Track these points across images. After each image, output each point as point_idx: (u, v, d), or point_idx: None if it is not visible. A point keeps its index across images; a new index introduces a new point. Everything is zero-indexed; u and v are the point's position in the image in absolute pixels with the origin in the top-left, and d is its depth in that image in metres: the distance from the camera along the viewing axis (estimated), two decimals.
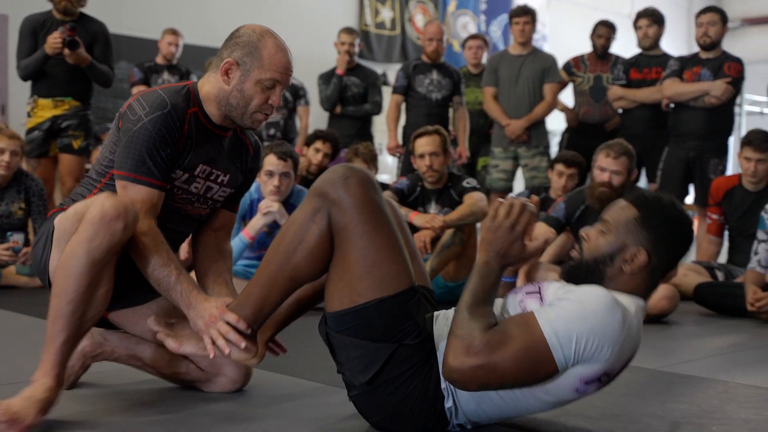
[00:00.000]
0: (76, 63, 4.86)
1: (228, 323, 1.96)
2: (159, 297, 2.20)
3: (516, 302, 1.92)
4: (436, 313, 2.04)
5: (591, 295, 1.77)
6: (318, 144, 5.30)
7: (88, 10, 5.11)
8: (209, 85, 2.22)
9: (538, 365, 1.76)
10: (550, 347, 1.73)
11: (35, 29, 4.90)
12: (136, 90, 6.36)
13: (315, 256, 1.89)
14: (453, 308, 1.97)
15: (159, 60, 6.45)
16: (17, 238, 4.57)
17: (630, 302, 1.84)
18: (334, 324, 1.92)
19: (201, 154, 2.22)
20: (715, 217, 4.83)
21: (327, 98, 6.23)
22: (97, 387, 2.38)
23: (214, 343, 1.98)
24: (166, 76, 6.38)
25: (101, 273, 1.95)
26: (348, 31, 6.40)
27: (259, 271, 1.97)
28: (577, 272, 1.93)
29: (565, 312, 1.74)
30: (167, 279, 2.05)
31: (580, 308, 1.74)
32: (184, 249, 4.47)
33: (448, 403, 1.91)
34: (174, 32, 6.43)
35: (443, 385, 1.89)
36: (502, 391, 1.85)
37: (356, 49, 6.32)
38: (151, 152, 2.10)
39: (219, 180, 2.28)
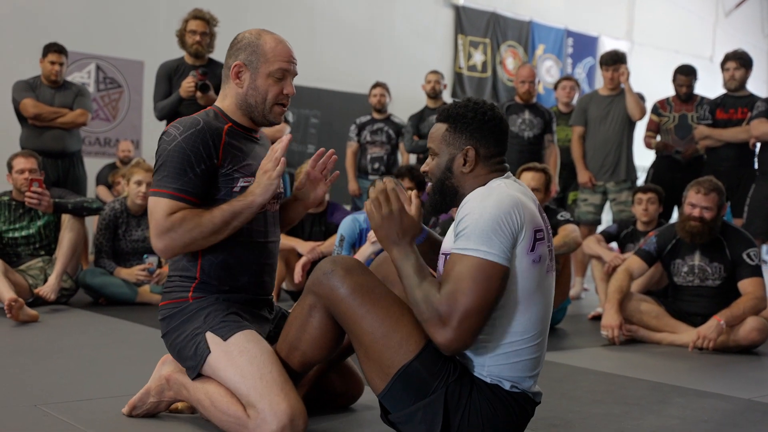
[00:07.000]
0: (206, 104, 5.04)
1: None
2: None
3: (441, 264, 1.95)
4: None
5: (469, 204, 1.84)
6: (406, 181, 5.27)
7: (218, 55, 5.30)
8: (227, 98, 2.24)
9: (491, 279, 1.77)
10: (485, 258, 1.77)
11: (169, 74, 5.11)
12: None
13: (318, 344, 2.01)
14: None
15: None
16: (152, 260, 4.75)
17: (493, 183, 1.91)
18: (388, 404, 1.90)
19: (254, 158, 2.22)
20: None
21: (408, 150, 6.40)
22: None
23: None
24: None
25: None
26: (433, 72, 6.59)
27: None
28: (435, 202, 2.01)
29: (469, 228, 1.80)
30: (221, 211, 2.09)
31: (473, 217, 1.80)
32: (298, 272, 4.55)
33: (506, 386, 1.87)
34: None
35: (488, 380, 1.86)
36: (499, 325, 1.84)
37: (441, 87, 6.47)
38: (185, 168, 2.08)
39: None
